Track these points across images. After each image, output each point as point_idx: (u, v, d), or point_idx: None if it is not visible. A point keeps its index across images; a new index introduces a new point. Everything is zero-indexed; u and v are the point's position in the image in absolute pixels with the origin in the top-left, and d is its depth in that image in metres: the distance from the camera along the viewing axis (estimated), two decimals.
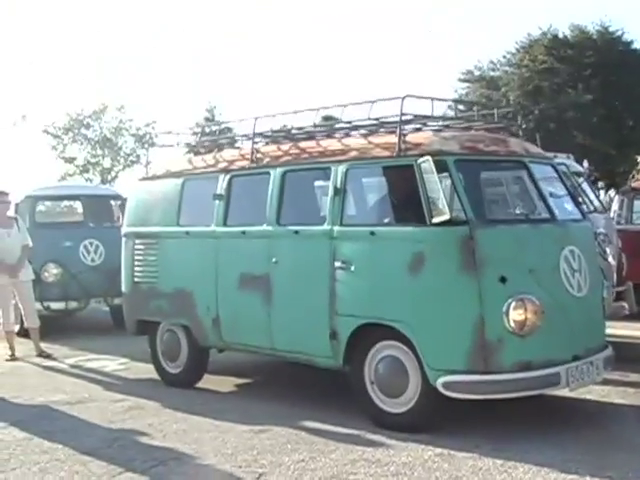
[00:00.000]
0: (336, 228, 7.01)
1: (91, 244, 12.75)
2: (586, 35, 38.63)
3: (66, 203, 14.43)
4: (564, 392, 6.97)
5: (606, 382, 7.52)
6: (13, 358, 11.01)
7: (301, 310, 7.31)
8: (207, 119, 42.41)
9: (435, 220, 6.30)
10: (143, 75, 71.44)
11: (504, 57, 40.82)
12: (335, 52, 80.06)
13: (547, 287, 6.46)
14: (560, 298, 6.51)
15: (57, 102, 70.68)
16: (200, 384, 8.81)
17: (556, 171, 7.50)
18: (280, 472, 5.86)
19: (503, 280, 6.25)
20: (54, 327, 12.59)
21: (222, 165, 8.35)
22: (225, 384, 8.86)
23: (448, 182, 6.62)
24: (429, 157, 6.42)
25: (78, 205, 14.56)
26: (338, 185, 7.05)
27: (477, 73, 41.77)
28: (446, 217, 6.23)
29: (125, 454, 6.42)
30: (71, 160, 43.61)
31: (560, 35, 39.02)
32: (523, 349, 6.29)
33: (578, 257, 6.72)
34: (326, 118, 10.66)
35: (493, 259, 6.30)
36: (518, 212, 7.41)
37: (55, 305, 12.57)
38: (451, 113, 29.78)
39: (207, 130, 9.68)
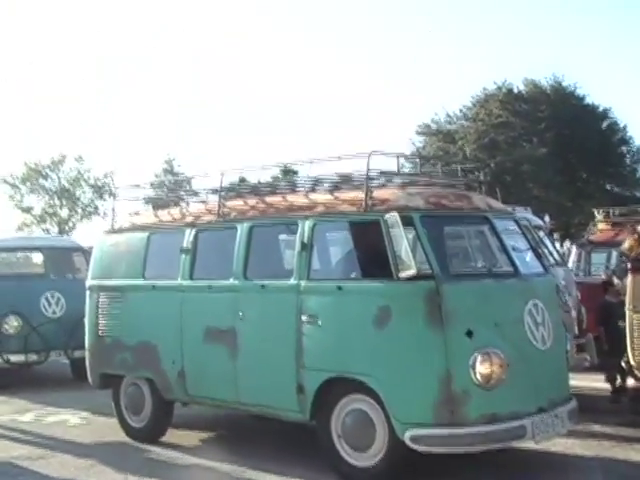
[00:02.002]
0: (303, 282, 7.06)
1: (52, 296, 12.63)
2: (540, 89, 39.59)
3: (22, 254, 14.29)
4: (529, 445, 7.02)
5: (570, 434, 7.58)
6: None
7: (268, 364, 7.32)
8: (166, 170, 42.52)
9: (402, 275, 6.39)
10: (102, 124, 71.64)
11: (460, 111, 41.65)
12: (293, 104, 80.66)
13: (512, 340, 6.56)
14: (525, 351, 6.61)
15: (15, 151, 70.44)
16: (164, 438, 8.73)
17: (518, 225, 7.65)
18: None
19: (469, 334, 6.34)
20: (13, 380, 12.43)
21: (188, 219, 8.40)
22: (189, 439, 8.80)
23: (413, 237, 6.70)
24: (395, 213, 6.53)
25: (38, 256, 14.46)
26: (305, 240, 7.13)
27: (434, 127, 42.44)
28: (413, 272, 6.32)
29: None
30: (28, 210, 43.39)
31: (515, 89, 39.97)
32: (489, 402, 6.36)
33: (542, 310, 6.83)
34: (286, 172, 10.78)
35: (459, 313, 6.39)
36: (482, 266, 7.53)
37: (14, 357, 12.39)
38: (409, 167, 30.34)
39: (167, 183, 9.65)
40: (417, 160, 8.14)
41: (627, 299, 8.48)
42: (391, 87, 73.99)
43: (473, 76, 71.04)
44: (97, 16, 75.80)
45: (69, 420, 10.17)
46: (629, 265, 8.65)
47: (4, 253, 13.48)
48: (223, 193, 8.21)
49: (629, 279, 8.53)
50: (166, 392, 8.35)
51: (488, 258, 7.44)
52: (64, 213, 44.15)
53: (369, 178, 6.92)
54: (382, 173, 7.17)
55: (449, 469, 6.98)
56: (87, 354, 9.36)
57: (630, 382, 8.78)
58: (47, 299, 12.62)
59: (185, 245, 8.19)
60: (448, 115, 42.02)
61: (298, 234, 7.20)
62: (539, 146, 36.99)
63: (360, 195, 6.93)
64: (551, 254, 10.25)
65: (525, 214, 10.61)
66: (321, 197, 7.42)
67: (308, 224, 7.17)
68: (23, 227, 42.62)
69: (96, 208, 43.41)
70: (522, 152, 37.29)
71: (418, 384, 6.39)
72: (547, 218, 12.28)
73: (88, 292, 9.32)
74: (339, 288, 6.86)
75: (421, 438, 6.36)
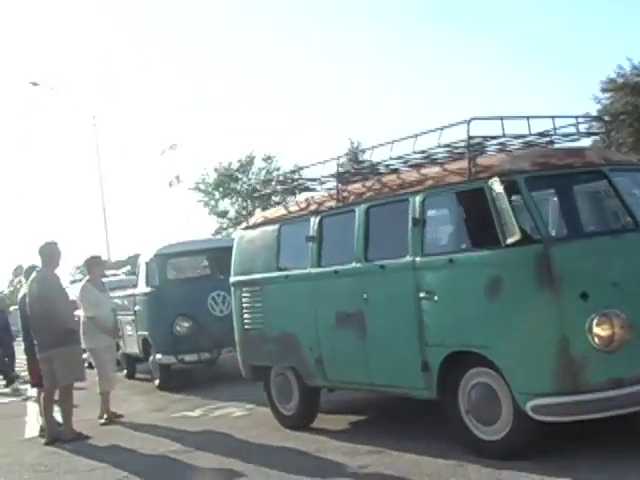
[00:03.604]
0: (417, 259, 7.01)
1: (218, 295, 13.11)
2: None
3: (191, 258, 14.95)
4: None
5: None
6: (107, 422, 11.00)
7: (393, 343, 7.32)
8: (350, 159, 42.90)
9: (508, 241, 6.21)
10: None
11: None
12: None
13: (633, 299, 6.20)
14: None
15: (204, 158, 72.97)
16: (314, 424, 8.90)
17: None
18: None
19: (584, 296, 6.06)
20: (191, 379, 13.04)
21: (313, 207, 8.51)
22: (338, 423, 8.92)
23: (519, 201, 6.49)
24: (497, 178, 6.36)
25: (203, 259, 15.08)
26: (416, 215, 7.07)
27: (620, 81, 40.25)
28: (517, 237, 6.13)
29: None
30: (223, 214, 44.96)
31: None
32: (611, 366, 6.05)
33: None
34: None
35: (571, 275, 6.12)
36: (598, 224, 7.18)
37: (188, 357, 12.98)
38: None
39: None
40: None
41: None
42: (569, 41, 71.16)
43: None
44: None
45: (234, 412, 10.55)
46: None
47: (172, 259, 14.07)
48: (341, 177, 8.27)
49: None
50: (308, 379, 8.51)
51: (606, 214, 7.09)
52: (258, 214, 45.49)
53: (470, 145, 6.77)
54: (484, 138, 6.98)
55: (577, 439, 6.71)
56: (238, 348, 9.69)
57: None
58: (214, 299, 13.12)
59: (311, 233, 8.31)
60: (635, 67, 39.74)
61: (410, 210, 7.15)
62: None
63: (466, 164, 6.79)
64: None
65: None
66: (430, 171, 7.33)
67: (418, 199, 7.10)
68: (221, 231, 44.36)
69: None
70: None
71: (535, 352, 6.19)
72: None
73: (232, 289, 9.64)
74: (450, 261, 6.75)
75: (543, 408, 6.15)
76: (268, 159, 45.63)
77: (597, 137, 7.23)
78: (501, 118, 6.91)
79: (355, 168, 8.36)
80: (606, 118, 7.59)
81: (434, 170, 7.29)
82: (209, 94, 79.80)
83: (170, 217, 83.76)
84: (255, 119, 78.45)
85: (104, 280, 12.94)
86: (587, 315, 6.01)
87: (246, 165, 45.22)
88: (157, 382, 13.77)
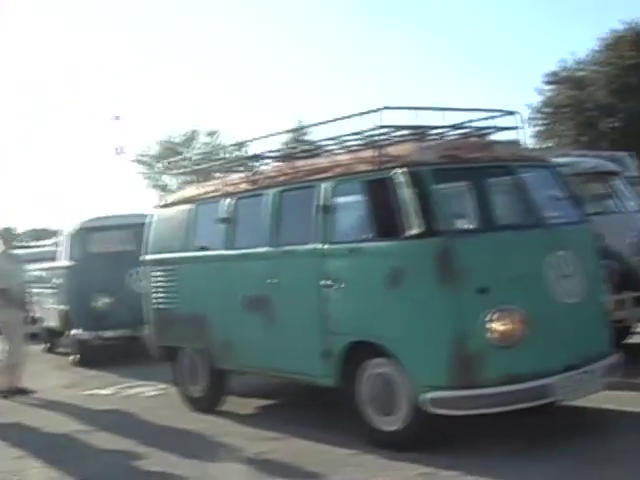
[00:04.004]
0: (323, 246, 6.95)
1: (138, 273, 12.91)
2: None
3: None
4: (581, 402, 6.86)
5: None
6: (5, 396, 10.84)
7: (297, 330, 7.27)
8: (295, 137, 42.74)
9: (409, 233, 6.18)
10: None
11: (588, 56, 39.84)
12: None
13: (532, 295, 6.25)
14: (547, 306, 6.29)
15: (150, 130, 72.32)
16: (223, 407, 8.84)
17: (554, 173, 7.24)
18: None
19: (482, 291, 6.06)
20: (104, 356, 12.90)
21: (227, 189, 8.40)
22: (246, 407, 8.88)
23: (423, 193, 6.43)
24: (401, 169, 6.31)
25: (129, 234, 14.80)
26: (324, 202, 7.00)
27: (563, 74, 40.76)
28: (417, 229, 6.11)
29: None
30: (164, 187, 44.55)
31: None
32: (508, 361, 6.07)
33: (569, 262, 6.46)
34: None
35: (470, 270, 6.11)
36: (501, 219, 7.19)
37: (107, 333, 12.80)
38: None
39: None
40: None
41: None
42: (518, 35, 71.66)
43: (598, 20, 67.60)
44: None
45: (147, 392, 10.45)
46: None
47: (95, 233, 13.83)
48: (256, 161, 8.19)
49: None
50: (217, 361, 8.43)
51: (510, 210, 7.09)
52: None
53: (380, 134, 6.74)
54: (395, 128, 6.92)
55: (481, 434, 6.74)
56: (148, 328, 9.56)
57: None
58: (135, 275, 12.90)
59: (224, 215, 8.21)
60: (577, 62, 40.29)
61: (318, 197, 7.08)
62: None
63: (376, 153, 6.73)
64: (621, 200, 9.70)
65: (595, 160, 10.13)
66: (341, 158, 7.26)
67: (326, 186, 7.03)
68: None
69: None
70: None
71: (433, 346, 6.18)
72: None
73: (143, 267, 9.51)
74: (354, 250, 6.71)
75: (439, 401, 6.14)
76: (212, 134, 45.24)
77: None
78: (415, 108, 6.87)
79: (270, 152, 8.23)
80: (521, 112, 7.41)
81: (346, 158, 7.22)
82: (156, 66, 78.53)
83: (114, 189, 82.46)
84: (201, 94, 77.48)
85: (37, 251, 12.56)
86: (485, 310, 6.02)
87: (190, 140, 44.72)
88: (75, 358, 13.57)
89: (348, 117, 6.95)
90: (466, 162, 6.69)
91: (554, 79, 40.92)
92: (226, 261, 8.12)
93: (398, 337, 6.37)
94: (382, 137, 6.83)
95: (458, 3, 71.61)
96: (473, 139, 7.29)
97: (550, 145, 37.92)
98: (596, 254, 7.04)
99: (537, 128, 39.87)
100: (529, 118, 38.65)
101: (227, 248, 8.13)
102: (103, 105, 76.20)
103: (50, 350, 15.70)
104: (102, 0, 78.53)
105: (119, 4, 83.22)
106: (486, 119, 7.31)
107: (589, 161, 10.31)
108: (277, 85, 75.20)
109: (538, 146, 36.87)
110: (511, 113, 7.20)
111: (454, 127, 7.30)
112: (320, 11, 79.22)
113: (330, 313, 6.89)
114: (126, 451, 7.50)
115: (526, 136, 7.24)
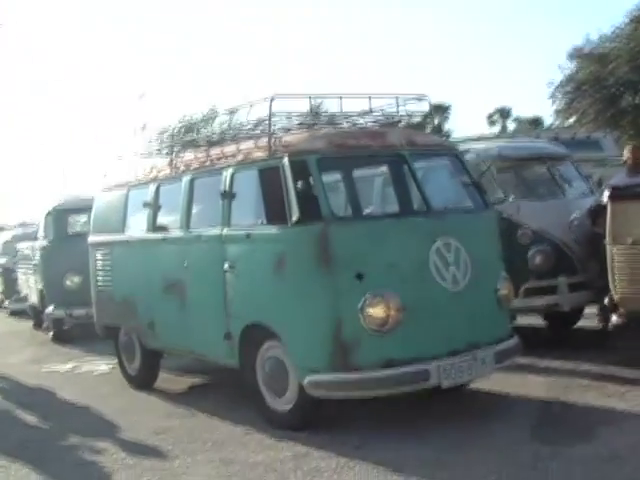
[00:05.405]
0: (224, 231, 7.14)
1: None
2: None
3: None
4: (486, 385, 7.14)
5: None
6: None
7: (205, 312, 7.49)
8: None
9: (292, 220, 6.34)
10: None
11: (613, 32, 39.14)
12: None
13: (412, 282, 6.34)
14: (429, 292, 6.38)
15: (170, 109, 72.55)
16: (157, 384, 9.12)
17: (457, 161, 7.31)
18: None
19: (359, 277, 6.19)
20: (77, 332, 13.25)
21: (153, 174, 8.62)
22: (180, 385, 9.15)
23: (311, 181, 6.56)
24: (288, 157, 6.47)
25: None
26: (226, 188, 7.18)
27: (587, 50, 40.11)
28: (299, 216, 6.26)
29: None
30: None
31: None
32: (384, 346, 6.19)
33: (456, 249, 6.53)
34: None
35: (348, 256, 6.25)
36: (384, 206, 7.29)
37: (77, 312, 13.09)
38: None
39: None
40: None
41: (606, 231, 7.90)
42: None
43: None
44: None
45: (99, 368, 10.73)
46: (607, 192, 8.05)
47: (71, 214, 14.14)
48: (176, 147, 8.40)
49: (608, 208, 7.94)
50: (144, 341, 8.69)
51: (397, 197, 7.18)
52: None
53: (272, 123, 6.87)
54: (286, 115, 7.06)
55: (365, 415, 6.93)
56: (93, 306, 9.84)
57: (614, 319, 8.17)
58: None
59: (148, 200, 8.43)
60: (601, 38, 39.60)
61: (221, 183, 7.26)
62: None
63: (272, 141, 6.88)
64: (562, 186, 9.71)
65: (540, 144, 10.17)
66: (245, 145, 7.42)
67: (227, 173, 7.22)
68: None
69: None
70: None
71: (313, 330, 6.34)
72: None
73: (89, 248, 9.77)
74: (247, 236, 6.89)
75: (317, 384, 6.31)
76: (231, 113, 45.15)
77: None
78: (303, 96, 6.98)
79: (186, 138, 8.45)
80: (425, 99, 7.37)
81: (247, 145, 7.39)
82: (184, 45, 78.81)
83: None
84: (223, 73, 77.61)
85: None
86: (361, 295, 6.14)
87: (209, 120, 44.76)
88: (51, 334, 13.93)
89: (238, 108, 7.15)
90: (355, 150, 6.79)
91: (577, 54, 40.28)
92: (149, 245, 8.36)
93: (283, 321, 6.56)
94: (273, 126, 6.94)
95: None
96: (371, 126, 7.37)
97: (571, 122, 37.46)
98: (496, 241, 7.10)
99: (557, 105, 39.34)
100: (551, 96, 38.28)
101: (150, 232, 8.37)
102: (127, 83, 76.34)
103: (37, 326, 16.08)
104: None
105: None
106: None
107: (531, 146, 10.33)
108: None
109: (558, 123, 36.53)
110: (419, 99, 7.27)
111: (360, 115, 7.40)
112: None
113: (230, 297, 7.09)
114: (39, 427, 7.83)
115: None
